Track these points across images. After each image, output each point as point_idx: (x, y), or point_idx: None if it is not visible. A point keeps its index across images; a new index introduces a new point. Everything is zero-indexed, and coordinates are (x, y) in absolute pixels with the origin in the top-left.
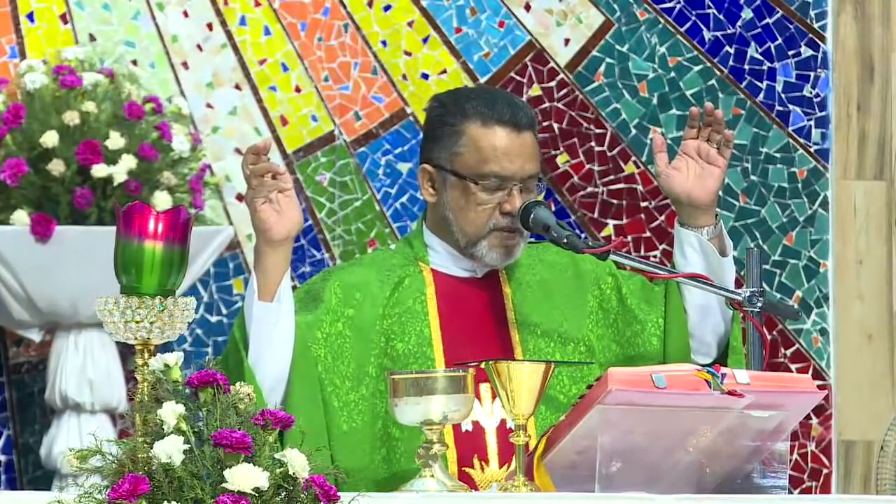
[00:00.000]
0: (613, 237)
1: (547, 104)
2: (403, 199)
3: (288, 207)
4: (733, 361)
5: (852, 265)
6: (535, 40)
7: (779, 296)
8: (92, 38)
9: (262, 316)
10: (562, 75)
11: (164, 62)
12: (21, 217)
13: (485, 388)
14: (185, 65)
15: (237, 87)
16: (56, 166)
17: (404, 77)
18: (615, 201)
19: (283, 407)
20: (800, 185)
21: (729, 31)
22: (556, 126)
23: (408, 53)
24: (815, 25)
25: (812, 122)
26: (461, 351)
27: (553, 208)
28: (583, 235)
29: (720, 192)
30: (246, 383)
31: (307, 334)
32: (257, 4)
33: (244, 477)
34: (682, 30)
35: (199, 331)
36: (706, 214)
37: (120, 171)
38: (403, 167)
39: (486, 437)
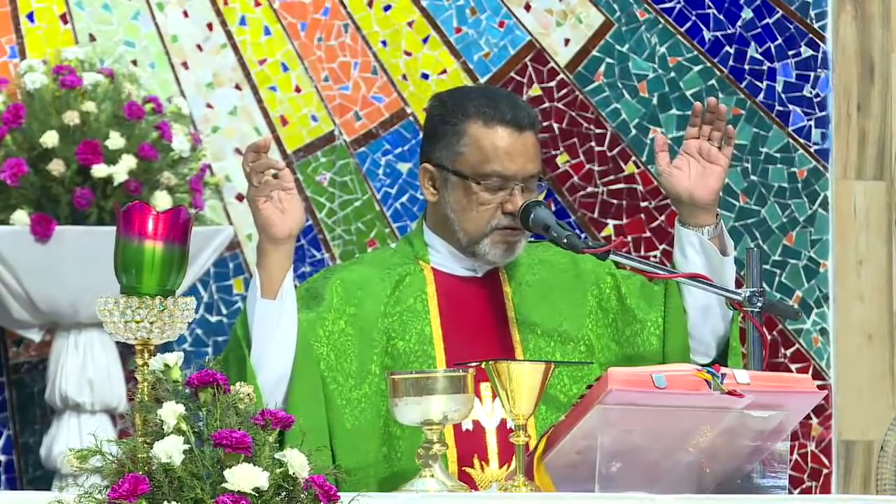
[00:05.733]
0: (613, 237)
1: (547, 104)
2: (403, 199)
3: (290, 205)
4: (733, 362)
5: (852, 265)
6: (535, 40)
7: (779, 296)
8: (92, 38)
9: (264, 314)
10: (562, 75)
11: (164, 62)
12: (21, 217)
13: (485, 387)
14: (185, 65)
15: (237, 87)
16: (56, 166)
17: (404, 77)
18: (615, 201)
19: (284, 405)
20: (800, 185)
21: (729, 31)
22: (556, 126)
23: (408, 53)
24: (815, 25)
25: (812, 122)
26: (462, 350)
27: (553, 208)
28: (583, 235)
29: (720, 192)
30: (247, 383)
31: (309, 332)
32: (257, 4)
33: (244, 477)
34: (682, 30)
35: (199, 331)
36: (707, 214)
37: (120, 171)
38: (403, 167)
39: (486, 436)
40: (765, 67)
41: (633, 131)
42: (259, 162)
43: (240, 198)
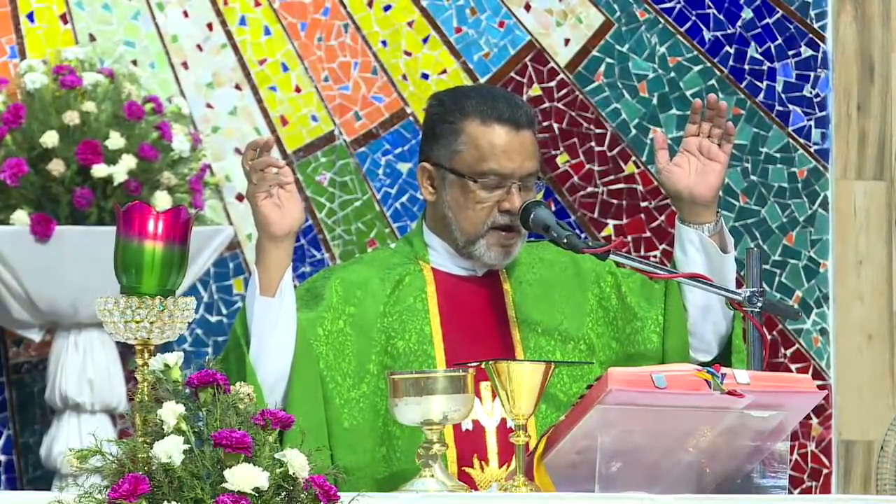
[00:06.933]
0: (613, 237)
1: (547, 104)
2: (403, 199)
3: (289, 202)
4: (736, 360)
5: (852, 265)
6: (535, 40)
7: (779, 296)
8: (92, 38)
9: (263, 311)
10: (562, 75)
11: (164, 62)
12: (21, 217)
13: (485, 386)
14: (185, 65)
15: (237, 87)
16: (56, 166)
17: (404, 77)
18: (615, 201)
19: (283, 403)
20: (800, 185)
21: (729, 31)
22: (556, 126)
23: (408, 53)
24: (815, 25)
25: (812, 122)
26: (462, 349)
27: (553, 208)
28: (583, 235)
29: (720, 190)
30: (247, 381)
31: (308, 331)
32: (257, 4)
33: (244, 477)
34: (682, 30)
35: (199, 331)
36: (707, 211)
37: (120, 171)
38: (403, 167)
39: (486, 436)
40: (765, 67)
41: (633, 131)
42: (258, 160)
43: (240, 198)
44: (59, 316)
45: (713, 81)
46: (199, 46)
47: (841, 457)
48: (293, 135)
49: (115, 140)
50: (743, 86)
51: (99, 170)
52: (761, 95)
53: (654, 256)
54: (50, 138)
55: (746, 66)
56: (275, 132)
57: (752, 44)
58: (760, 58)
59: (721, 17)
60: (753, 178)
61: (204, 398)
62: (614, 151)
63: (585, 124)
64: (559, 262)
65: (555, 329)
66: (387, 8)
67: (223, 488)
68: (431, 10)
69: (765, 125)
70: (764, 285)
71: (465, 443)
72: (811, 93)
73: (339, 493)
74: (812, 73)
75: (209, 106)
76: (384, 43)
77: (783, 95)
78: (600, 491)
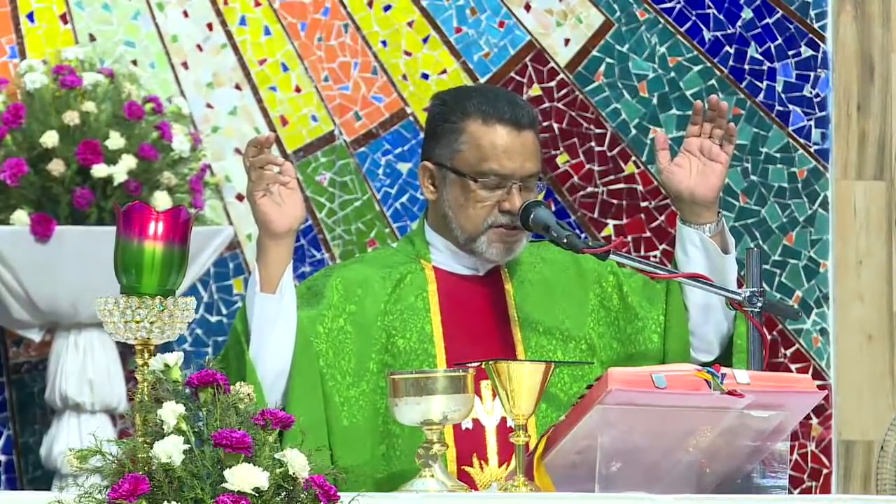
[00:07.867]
0: (613, 237)
1: (547, 104)
2: (403, 199)
3: (289, 200)
4: (738, 360)
5: (852, 265)
6: (535, 40)
7: (779, 296)
8: (92, 38)
9: (263, 308)
10: (562, 75)
11: (164, 62)
12: (21, 217)
13: (485, 385)
14: (185, 65)
15: (237, 87)
16: (56, 166)
17: (404, 77)
18: (615, 201)
19: (284, 401)
20: (800, 185)
21: (729, 31)
22: (556, 126)
23: (408, 53)
24: (815, 25)
25: (812, 122)
26: (463, 348)
27: (553, 208)
28: (583, 235)
29: (721, 190)
30: (246, 379)
31: (309, 329)
32: (257, 4)
33: (244, 477)
34: (682, 30)
35: (199, 331)
36: (708, 211)
37: (120, 171)
38: (403, 167)
39: (486, 435)
40: (765, 67)
41: (633, 131)
42: (259, 157)
43: (240, 198)
44: (59, 316)
45: (713, 81)
46: (199, 46)
47: (841, 457)
48: (293, 135)
49: (115, 140)
50: (743, 86)
51: (99, 170)
52: (761, 95)
53: (654, 256)
54: (50, 138)
55: (746, 66)
56: (275, 132)
57: (752, 44)
58: (760, 58)
59: (721, 17)
60: (753, 178)
61: (204, 398)
62: (614, 151)
63: (585, 124)
64: (561, 262)
65: (556, 328)
66: (387, 8)
67: (223, 488)
68: (431, 10)
69: (765, 125)
70: (764, 285)
71: (464, 441)
72: (811, 93)
73: (339, 493)
74: (812, 73)
75: (209, 106)
76: (384, 43)
77: (783, 95)
78: (600, 491)
